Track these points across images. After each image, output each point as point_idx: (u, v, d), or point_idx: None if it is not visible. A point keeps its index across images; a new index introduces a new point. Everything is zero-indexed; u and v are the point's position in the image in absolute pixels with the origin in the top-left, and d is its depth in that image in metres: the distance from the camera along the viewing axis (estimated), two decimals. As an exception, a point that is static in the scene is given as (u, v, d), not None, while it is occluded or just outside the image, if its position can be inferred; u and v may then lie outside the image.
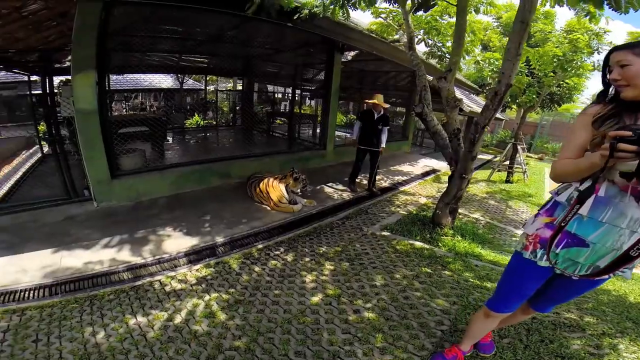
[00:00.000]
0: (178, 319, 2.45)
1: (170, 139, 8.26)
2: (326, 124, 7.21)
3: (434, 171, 8.73)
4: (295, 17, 4.00)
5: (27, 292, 2.74)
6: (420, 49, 6.64)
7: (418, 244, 3.99)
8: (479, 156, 16.02)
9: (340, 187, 6.12)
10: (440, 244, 4.11)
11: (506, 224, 5.86)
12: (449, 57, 6.51)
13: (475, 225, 5.39)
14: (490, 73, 10.06)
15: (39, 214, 4.16)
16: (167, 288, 2.87)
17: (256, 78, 10.47)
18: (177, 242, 3.67)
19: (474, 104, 11.88)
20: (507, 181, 9.83)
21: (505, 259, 4.12)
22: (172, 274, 3.09)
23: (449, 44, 6.67)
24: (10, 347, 2.12)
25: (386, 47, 6.20)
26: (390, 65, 10.08)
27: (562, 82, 11.09)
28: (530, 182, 10.11)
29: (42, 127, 8.71)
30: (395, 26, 5.86)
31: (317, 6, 3.74)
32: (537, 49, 8.64)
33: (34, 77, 6.91)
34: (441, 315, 2.66)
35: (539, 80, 9.99)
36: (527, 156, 16.53)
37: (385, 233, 4.25)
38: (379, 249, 3.78)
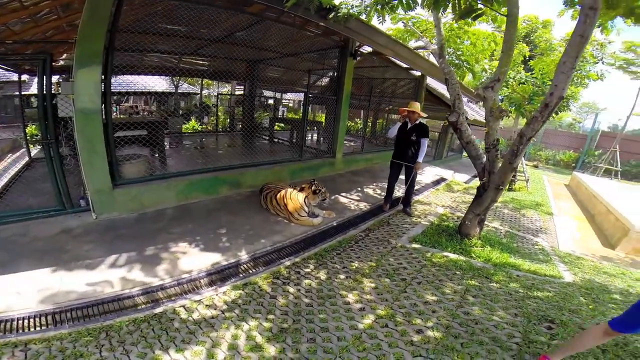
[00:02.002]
0: (220, 356, 2.08)
1: (167, 145, 7.81)
2: (336, 131, 6.94)
3: (443, 179, 8.58)
4: (330, 16, 3.76)
5: (25, 321, 2.32)
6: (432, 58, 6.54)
7: (452, 256, 3.75)
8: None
9: (354, 197, 5.84)
10: (473, 255, 3.89)
11: (525, 233, 5.72)
12: (467, 65, 6.45)
13: (496, 234, 5.23)
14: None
15: (29, 226, 3.70)
16: (196, 316, 2.50)
17: (261, 83, 10.12)
18: (195, 259, 3.29)
19: (475, 113, 11.92)
20: (510, 189, 9.79)
21: (541, 268, 3.96)
22: (197, 297, 2.72)
23: (460, 51, 6.62)
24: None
25: (408, 53, 6.00)
26: (393, 72, 10.03)
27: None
28: (533, 190, 10.12)
29: (31, 129, 8.12)
30: (419, 33, 5.69)
31: (356, 6, 3.49)
32: (541, 57, 8.78)
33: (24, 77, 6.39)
34: (509, 328, 2.48)
35: (539, 88, 10.20)
36: (523, 164, 16.88)
37: (415, 245, 3.99)
38: (416, 263, 3.51)
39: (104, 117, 3.84)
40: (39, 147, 7.35)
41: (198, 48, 7.31)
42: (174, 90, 12.78)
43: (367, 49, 7.73)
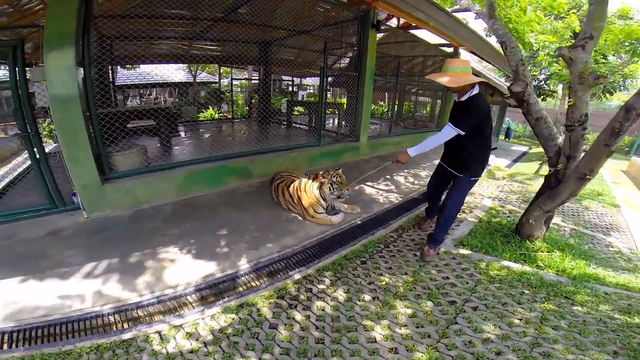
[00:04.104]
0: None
1: (182, 134, 7.42)
2: (360, 112, 6.11)
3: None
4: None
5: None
6: (478, 25, 5.60)
7: (514, 266, 2.88)
8: (515, 148, 14.70)
9: (383, 186, 5.02)
10: (541, 264, 3.00)
11: (594, 231, 4.67)
12: (515, 34, 5.40)
13: (560, 233, 4.25)
14: (545, 57, 9.05)
15: (18, 227, 3.28)
16: (171, 347, 1.90)
17: (276, 67, 9.48)
18: (183, 270, 2.67)
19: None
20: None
21: (631, 280, 3.00)
22: (178, 321, 2.11)
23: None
24: None
25: (446, 19, 5.04)
26: (421, 49, 9.09)
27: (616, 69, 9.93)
28: (588, 176, 8.79)
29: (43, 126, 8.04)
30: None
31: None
32: (607, 26, 7.47)
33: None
34: (609, 375, 1.64)
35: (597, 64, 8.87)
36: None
37: (463, 251, 3.14)
38: (467, 277, 2.67)
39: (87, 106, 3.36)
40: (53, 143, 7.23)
41: (203, 31, 6.74)
42: (191, 80, 12.41)
43: (391, 23, 6.85)
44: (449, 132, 2.64)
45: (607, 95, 12.74)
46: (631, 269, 3.44)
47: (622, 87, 11.53)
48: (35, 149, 3.47)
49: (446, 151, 3.06)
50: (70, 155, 3.30)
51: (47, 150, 5.80)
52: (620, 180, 10.46)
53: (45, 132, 7.61)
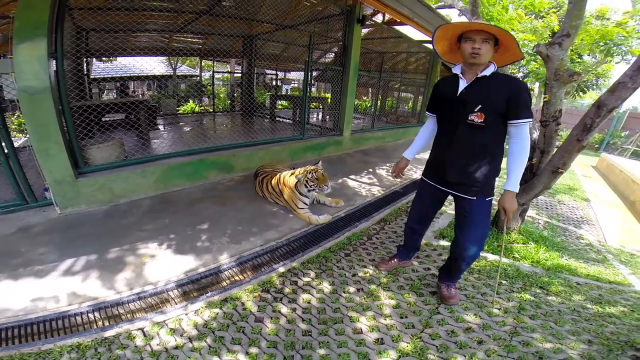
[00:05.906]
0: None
1: (161, 127, 7.21)
2: (343, 106, 6.14)
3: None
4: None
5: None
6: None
7: (492, 257, 2.98)
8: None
9: (365, 179, 5.06)
10: (517, 255, 3.11)
11: (566, 224, 4.88)
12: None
13: (535, 225, 4.42)
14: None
15: (-16, 224, 3.11)
16: (155, 344, 1.85)
17: (260, 60, 9.36)
18: (164, 265, 2.60)
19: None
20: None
21: (601, 271, 3.17)
22: (161, 318, 2.05)
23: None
24: None
25: (430, 15, 5.12)
26: (404, 45, 9.18)
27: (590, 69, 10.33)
28: (561, 172, 9.17)
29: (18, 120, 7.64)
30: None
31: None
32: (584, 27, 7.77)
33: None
34: (586, 363, 1.74)
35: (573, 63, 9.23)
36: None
37: (443, 242, 3.21)
38: (448, 269, 2.75)
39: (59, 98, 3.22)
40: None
41: (186, 24, 6.57)
42: (171, 73, 12.06)
43: (377, 19, 6.89)
44: (528, 127, 1.76)
45: (581, 93, 13.27)
46: (600, 260, 3.62)
47: (594, 86, 12.01)
48: (2, 143, 3.29)
49: (443, 159, 1.97)
50: (40, 148, 3.15)
51: (16, 145, 5.59)
52: (590, 175, 10.97)
53: (14, 127, 7.25)
